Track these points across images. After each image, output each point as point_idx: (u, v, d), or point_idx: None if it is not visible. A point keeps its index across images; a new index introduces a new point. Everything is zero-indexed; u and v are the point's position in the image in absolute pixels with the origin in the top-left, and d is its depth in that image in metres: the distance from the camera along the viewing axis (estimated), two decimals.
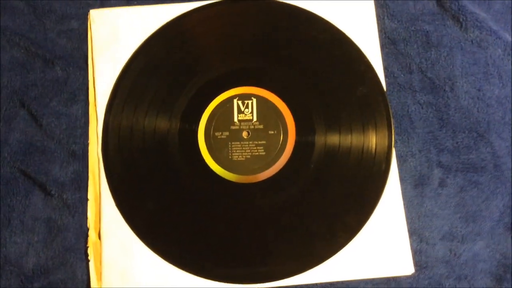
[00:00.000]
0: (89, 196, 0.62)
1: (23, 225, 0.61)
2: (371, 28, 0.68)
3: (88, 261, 0.60)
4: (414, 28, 0.69)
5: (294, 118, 0.63)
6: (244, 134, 0.63)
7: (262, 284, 0.60)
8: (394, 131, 0.63)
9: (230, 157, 0.62)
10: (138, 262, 0.60)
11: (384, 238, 0.61)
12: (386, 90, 0.66)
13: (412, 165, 0.65)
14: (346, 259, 0.60)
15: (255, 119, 0.63)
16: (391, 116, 0.63)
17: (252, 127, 0.63)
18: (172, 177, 0.61)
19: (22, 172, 0.62)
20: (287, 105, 0.64)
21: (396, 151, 0.64)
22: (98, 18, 0.67)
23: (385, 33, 0.69)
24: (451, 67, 0.68)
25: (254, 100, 0.64)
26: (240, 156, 0.62)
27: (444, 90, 0.67)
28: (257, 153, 0.62)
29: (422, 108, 0.67)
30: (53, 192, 0.62)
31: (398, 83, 0.67)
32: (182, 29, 0.66)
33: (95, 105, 0.64)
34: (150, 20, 0.67)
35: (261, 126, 0.63)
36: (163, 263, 0.60)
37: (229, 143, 0.63)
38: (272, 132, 0.63)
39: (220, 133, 0.63)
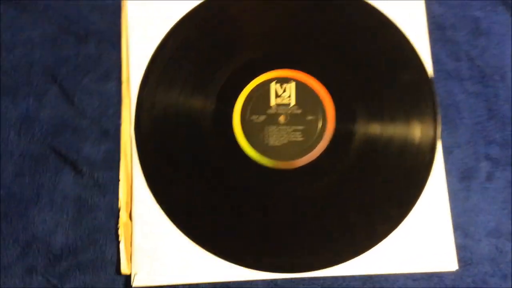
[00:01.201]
0: (120, 176, 0.60)
1: (52, 203, 0.59)
2: (418, 12, 0.65)
3: (118, 242, 0.58)
4: (464, 13, 0.66)
5: (334, 104, 0.61)
6: (282, 118, 0.60)
7: (296, 274, 0.58)
8: (441, 121, 0.60)
9: (266, 141, 0.60)
10: (170, 245, 0.58)
11: (427, 232, 0.59)
12: (433, 77, 0.63)
13: (459, 157, 0.62)
14: (386, 252, 0.58)
15: (293, 103, 0.61)
16: (437, 105, 0.60)
17: (290, 111, 0.61)
18: (206, 159, 0.59)
19: (53, 149, 0.61)
20: (328, 90, 0.61)
21: (442, 142, 0.61)
22: None
23: (433, 18, 0.66)
24: (501, 55, 0.65)
25: (293, 83, 0.61)
26: (276, 141, 0.60)
27: (494, 79, 0.64)
28: (295, 139, 0.60)
29: (470, 97, 0.64)
30: (84, 171, 0.60)
31: (445, 71, 0.64)
32: (221, 6, 0.64)
33: (129, 84, 0.62)
34: None
35: (299, 111, 0.61)
36: (194, 247, 0.58)
37: (266, 127, 0.60)
38: (311, 118, 0.60)
39: (257, 116, 0.60)
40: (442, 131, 0.62)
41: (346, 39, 0.63)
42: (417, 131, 0.60)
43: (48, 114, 0.62)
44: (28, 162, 0.60)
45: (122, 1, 0.65)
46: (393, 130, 0.59)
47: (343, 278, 0.58)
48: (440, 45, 0.65)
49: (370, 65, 0.62)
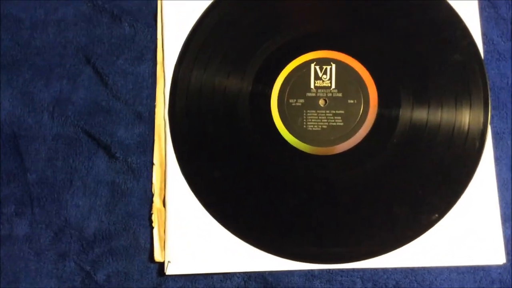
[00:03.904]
0: (154, 161, 0.58)
1: (85, 187, 0.58)
2: None
3: (152, 228, 0.57)
4: None
5: (377, 87, 0.58)
6: (321, 102, 0.58)
7: (334, 265, 0.56)
8: (491, 105, 0.57)
9: (304, 126, 0.57)
10: (204, 232, 0.56)
11: (474, 223, 0.56)
12: (484, 59, 0.59)
13: (510, 144, 0.59)
14: (430, 243, 0.55)
15: (333, 86, 0.58)
16: (488, 88, 0.57)
17: (330, 95, 0.58)
18: (242, 144, 0.57)
19: (86, 132, 0.60)
20: (370, 73, 0.58)
21: (492, 128, 0.58)
22: None
23: None
24: None
25: (333, 65, 0.58)
26: (315, 126, 0.57)
27: None
28: (334, 124, 0.57)
29: None
30: (117, 155, 0.59)
31: (497, 51, 0.61)
32: None
33: (163, 65, 0.60)
34: None
35: (340, 95, 0.58)
36: (229, 235, 0.56)
37: (304, 111, 0.58)
38: (352, 102, 0.58)
39: (295, 100, 0.58)
40: (493, 116, 0.59)
41: (391, 17, 0.60)
42: (466, 116, 0.56)
43: (81, 96, 0.61)
44: (61, 145, 0.60)
45: None
46: (440, 115, 0.56)
47: (384, 270, 0.56)
48: (493, 23, 0.61)
49: (416, 45, 0.59)
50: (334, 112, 0.58)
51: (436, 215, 0.55)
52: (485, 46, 0.60)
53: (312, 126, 0.57)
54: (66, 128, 0.60)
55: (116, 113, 0.60)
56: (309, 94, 0.58)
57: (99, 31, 0.62)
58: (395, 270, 0.56)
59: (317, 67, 0.58)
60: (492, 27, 0.61)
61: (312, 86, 0.58)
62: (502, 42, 0.61)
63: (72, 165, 0.59)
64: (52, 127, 0.60)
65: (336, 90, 0.58)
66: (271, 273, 0.56)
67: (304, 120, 0.58)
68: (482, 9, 0.61)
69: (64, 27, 0.62)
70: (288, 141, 0.57)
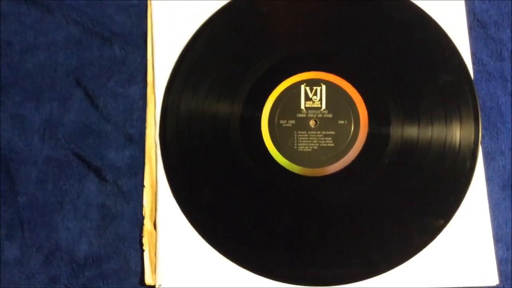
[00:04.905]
0: (145, 183, 0.58)
1: (75, 210, 0.58)
2: (458, 8, 0.61)
3: (142, 251, 0.56)
4: (508, 9, 0.62)
5: (367, 107, 0.58)
6: (312, 123, 0.58)
7: (326, 287, 0.55)
8: (482, 125, 0.57)
9: (295, 147, 0.57)
10: (195, 255, 0.56)
11: (466, 244, 0.56)
12: (474, 78, 0.59)
13: (501, 164, 0.59)
14: (422, 265, 0.55)
15: (323, 107, 0.58)
16: (478, 108, 0.57)
17: (321, 115, 0.58)
18: (232, 166, 0.57)
19: (77, 155, 0.59)
20: (360, 93, 0.58)
21: (483, 147, 0.58)
22: None
23: (474, 15, 0.62)
24: None
25: (324, 86, 0.59)
26: (306, 147, 0.57)
27: None
28: (325, 144, 0.57)
29: None
30: (108, 178, 0.59)
31: (487, 71, 0.61)
32: (248, 7, 0.62)
33: (154, 87, 0.61)
34: None
35: (330, 115, 0.58)
36: (221, 258, 0.56)
37: (295, 132, 0.58)
38: (342, 122, 0.58)
39: (286, 121, 0.58)
40: (483, 136, 0.59)
41: (380, 37, 0.60)
42: (456, 136, 0.56)
43: (72, 118, 0.61)
44: (51, 168, 0.59)
45: (148, 1, 0.63)
46: (431, 134, 0.56)
47: None
48: (482, 43, 0.61)
49: (406, 65, 0.59)
50: (324, 133, 0.58)
51: (429, 236, 0.55)
52: (475, 66, 0.61)
53: (303, 147, 0.57)
54: (56, 150, 0.60)
55: (107, 135, 0.60)
56: (299, 115, 0.58)
57: (90, 54, 0.62)
58: None
59: (307, 88, 0.59)
60: (482, 47, 0.61)
61: (302, 107, 0.58)
62: (492, 62, 0.61)
63: (63, 188, 0.59)
64: (42, 149, 0.60)
65: (326, 111, 0.58)
66: None
67: (295, 141, 0.58)
68: (471, 29, 0.61)
69: (54, 50, 0.62)
70: (279, 162, 0.57)
